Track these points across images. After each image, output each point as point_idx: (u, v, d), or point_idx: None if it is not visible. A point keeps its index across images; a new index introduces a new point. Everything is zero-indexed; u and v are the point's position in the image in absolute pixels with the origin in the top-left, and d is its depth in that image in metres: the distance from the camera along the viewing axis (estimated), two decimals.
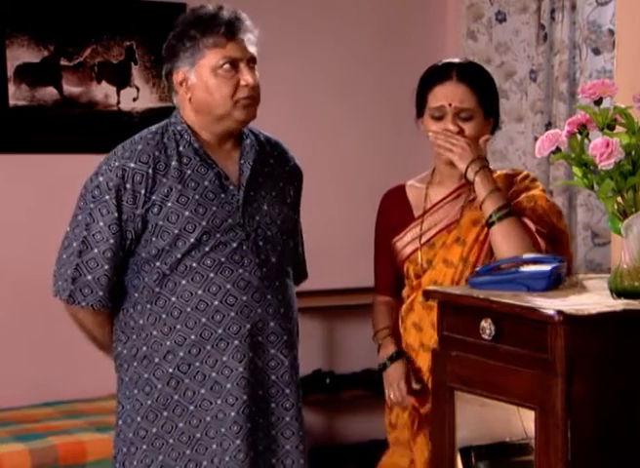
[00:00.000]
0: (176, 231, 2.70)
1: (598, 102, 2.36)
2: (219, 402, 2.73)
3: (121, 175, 2.72)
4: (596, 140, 2.27)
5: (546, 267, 2.41)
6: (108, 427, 3.63)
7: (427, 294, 2.52)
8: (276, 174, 2.86)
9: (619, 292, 2.29)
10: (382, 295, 3.02)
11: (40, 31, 4.59)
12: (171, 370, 2.74)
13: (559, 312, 2.15)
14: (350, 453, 5.07)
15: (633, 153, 2.29)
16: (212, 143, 2.79)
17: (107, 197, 2.72)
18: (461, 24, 5.15)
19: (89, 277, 2.75)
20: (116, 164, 2.74)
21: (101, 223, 2.73)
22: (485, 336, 2.31)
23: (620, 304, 2.25)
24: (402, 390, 2.87)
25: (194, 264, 2.71)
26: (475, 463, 2.46)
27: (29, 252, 4.60)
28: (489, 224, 2.73)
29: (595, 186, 2.32)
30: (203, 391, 2.73)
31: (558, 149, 2.35)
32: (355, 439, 5.21)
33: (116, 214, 2.72)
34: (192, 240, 2.70)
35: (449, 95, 2.80)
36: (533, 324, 2.21)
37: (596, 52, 4.46)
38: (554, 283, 2.40)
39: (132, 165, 2.72)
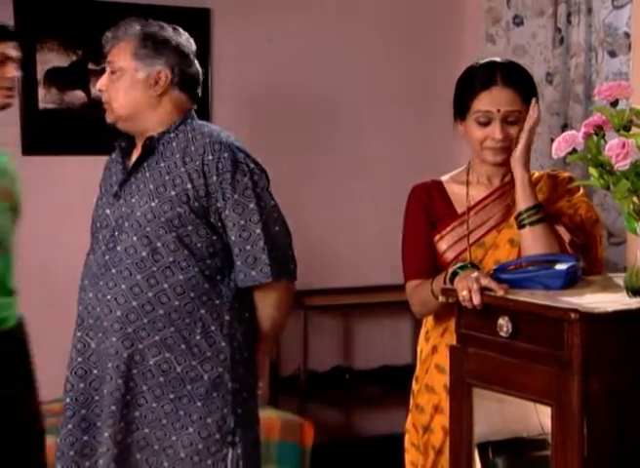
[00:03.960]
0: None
1: (614, 104, 2.36)
2: None
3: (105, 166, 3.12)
4: (612, 142, 2.28)
5: (563, 266, 2.43)
6: None
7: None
8: (172, 168, 2.87)
9: (634, 291, 2.30)
10: (417, 279, 2.80)
11: (69, 36, 4.64)
12: None
13: (575, 310, 2.16)
14: (368, 448, 5.08)
15: None
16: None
17: None
18: (480, 28, 5.15)
19: None
20: None
21: None
22: (502, 334, 2.32)
23: (635, 302, 2.26)
24: (482, 281, 2.40)
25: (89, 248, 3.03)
26: (493, 458, 2.46)
27: (48, 253, 4.62)
28: (520, 223, 2.67)
29: (611, 186, 2.32)
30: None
31: (575, 150, 2.35)
32: (373, 434, 5.23)
33: None
34: (90, 226, 3.02)
35: (496, 100, 2.70)
36: (549, 321, 2.22)
37: (612, 54, 4.47)
38: (570, 281, 2.41)
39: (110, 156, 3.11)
